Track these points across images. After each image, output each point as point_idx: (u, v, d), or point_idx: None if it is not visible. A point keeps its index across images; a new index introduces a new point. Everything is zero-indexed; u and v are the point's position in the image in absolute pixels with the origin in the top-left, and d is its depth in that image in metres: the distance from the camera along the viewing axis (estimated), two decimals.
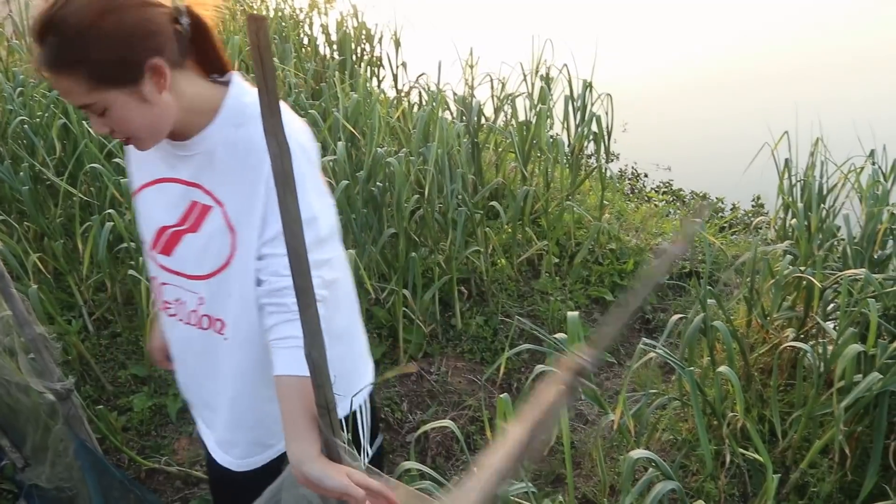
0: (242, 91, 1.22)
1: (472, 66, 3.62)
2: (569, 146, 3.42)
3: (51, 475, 2.26)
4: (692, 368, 2.01)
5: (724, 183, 5.41)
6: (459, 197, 2.95)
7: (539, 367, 2.18)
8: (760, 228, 4.89)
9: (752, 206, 5.07)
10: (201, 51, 1.19)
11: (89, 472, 2.07)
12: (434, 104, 3.21)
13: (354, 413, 1.42)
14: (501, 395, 1.65)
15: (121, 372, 2.81)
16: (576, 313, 2.01)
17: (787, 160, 2.91)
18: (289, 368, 1.13)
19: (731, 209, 5.03)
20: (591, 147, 3.55)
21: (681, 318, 2.47)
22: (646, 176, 5.51)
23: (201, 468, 2.50)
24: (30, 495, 2.41)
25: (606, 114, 3.33)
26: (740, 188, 5.36)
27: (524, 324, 2.25)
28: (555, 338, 2.21)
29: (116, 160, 2.79)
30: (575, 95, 3.38)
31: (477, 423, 2.81)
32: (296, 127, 1.22)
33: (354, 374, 1.44)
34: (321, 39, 4.67)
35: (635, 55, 7.68)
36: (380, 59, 4.47)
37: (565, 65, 3.38)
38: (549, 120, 3.41)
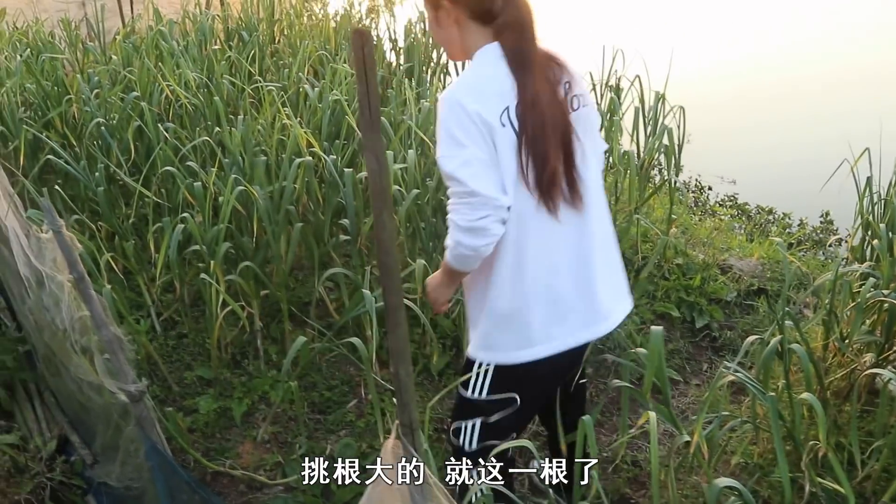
0: (476, 44, 1.61)
1: None
2: (638, 159, 3.35)
3: (120, 474, 2.29)
4: (772, 394, 1.94)
5: (791, 196, 5.27)
6: None
7: (615, 382, 2.14)
8: (830, 246, 4.76)
9: (821, 223, 4.94)
10: (505, 28, 1.57)
11: (159, 473, 2.09)
12: None
13: (474, 362, 1.77)
14: (584, 417, 1.61)
15: (187, 373, 2.84)
16: (660, 328, 1.96)
17: (868, 178, 2.81)
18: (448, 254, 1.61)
19: (799, 225, 4.90)
20: (658, 159, 3.48)
21: (756, 340, 2.40)
22: (710, 189, 5.40)
23: (265, 472, 2.51)
24: (98, 492, 2.45)
25: (678, 127, 3.26)
26: (808, 202, 5.22)
27: (598, 345, 2.21)
28: (633, 352, 2.17)
29: (189, 163, 2.83)
30: (646, 107, 3.32)
31: (541, 438, 2.77)
32: (459, 83, 1.58)
33: (487, 338, 1.74)
34: (387, 45, 4.70)
35: (697, 60, 7.52)
36: (446, 65, 4.46)
37: (637, 76, 3.32)
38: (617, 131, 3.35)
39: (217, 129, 3.00)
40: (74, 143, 3.36)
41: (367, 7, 6.01)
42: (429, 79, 4.11)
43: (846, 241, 4.73)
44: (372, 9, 6.07)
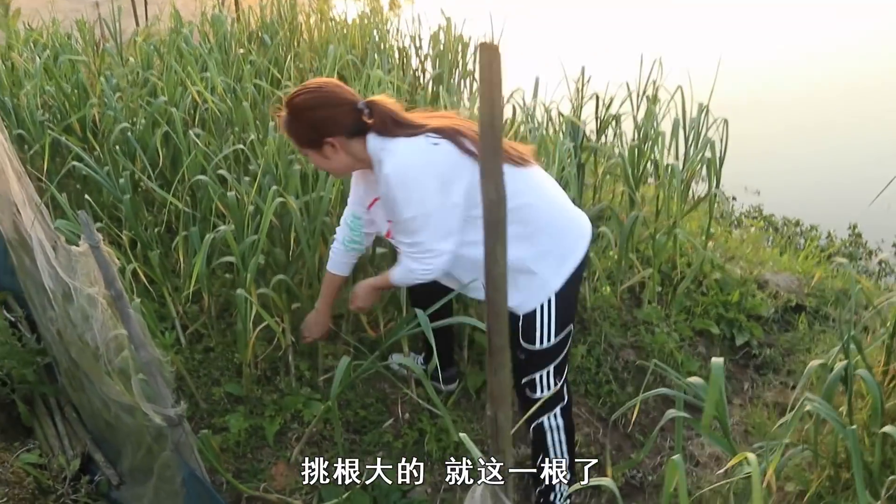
0: (374, 146, 1.92)
1: (582, 85, 3.48)
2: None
3: (153, 500, 2.18)
4: (853, 427, 1.84)
5: (813, 206, 5.16)
6: None
7: (671, 412, 2.03)
8: (860, 259, 4.66)
9: (850, 236, 4.84)
10: (378, 122, 1.92)
11: (196, 502, 1.98)
12: (548, 125, 3.10)
13: (535, 312, 2.03)
14: (673, 458, 1.50)
15: (215, 389, 2.72)
16: (720, 360, 1.85)
17: None
18: (397, 279, 2.10)
19: (827, 238, 4.80)
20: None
21: (818, 364, 2.29)
22: (734, 199, 5.30)
23: (301, 496, 2.40)
24: None
25: (721, 140, 3.16)
26: (831, 212, 5.11)
27: (662, 368, 2.11)
28: (689, 382, 2.06)
29: (221, 171, 2.72)
30: (688, 118, 3.21)
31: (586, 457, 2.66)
32: (398, 157, 1.89)
33: (528, 286, 2.02)
34: (412, 50, 4.59)
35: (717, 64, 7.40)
36: (472, 71, 4.36)
37: (679, 87, 3.21)
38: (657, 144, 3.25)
39: (250, 136, 2.89)
40: (96, 147, 3.25)
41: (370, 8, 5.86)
42: (456, 82, 4.00)
43: (875, 255, 4.64)
44: (375, 10, 5.88)
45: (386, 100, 1.97)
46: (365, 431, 2.63)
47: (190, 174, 2.79)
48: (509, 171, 1.87)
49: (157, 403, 1.95)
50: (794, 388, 3.13)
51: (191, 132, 2.85)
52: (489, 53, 0.91)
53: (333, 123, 1.91)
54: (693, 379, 2.06)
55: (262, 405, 2.65)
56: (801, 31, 8.96)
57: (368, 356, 2.50)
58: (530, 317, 2.05)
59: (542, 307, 2.04)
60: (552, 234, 2.02)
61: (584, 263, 2.11)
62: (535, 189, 2.01)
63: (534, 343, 2.08)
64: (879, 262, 4.47)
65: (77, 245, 2.24)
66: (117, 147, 3.05)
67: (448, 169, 1.86)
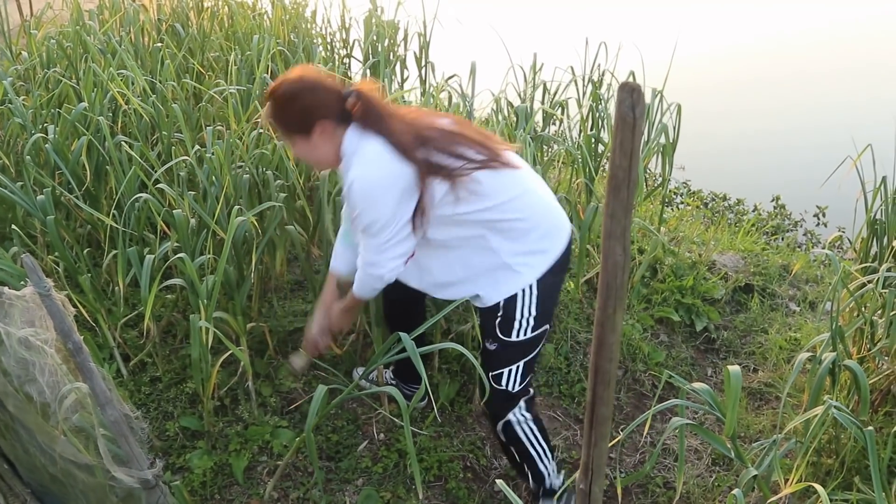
0: (349, 144, 1.88)
1: (534, 73, 3.34)
2: None
3: None
4: (870, 429, 1.81)
5: (733, 180, 5.27)
6: None
7: (676, 421, 1.96)
8: (788, 231, 4.77)
9: (774, 208, 4.95)
10: (362, 111, 1.86)
11: None
12: (497, 115, 2.96)
13: (515, 299, 1.98)
14: (734, 492, 1.42)
15: (168, 424, 2.48)
16: (737, 367, 1.79)
17: (884, 178, 2.73)
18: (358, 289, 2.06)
19: (754, 211, 4.90)
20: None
21: (809, 356, 2.28)
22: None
23: None
24: None
25: (674, 128, 3.11)
26: (753, 185, 5.23)
27: (675, 378, 2.03)
28: (692, 387, 2.00)
29: (161, 186, 2.44)
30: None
31: (567, 465, 2.58)
32: (366, 169, 1.85)
33: (507, 279, 1.99)
34: (338, 36, 4.32)
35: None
36: (403, 58, 4.15)
37: (632, 72, 3.14)
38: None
39: (193, 146, 2.61)
40: (2, 157, 2.89)
41: None
42: (389, 72, 3.78)
43: (816, 230, 4.77)
44: None
45: (371, 87, 1.91)
46: (339, 458, 2.46)
47: (121, 186, 2.50)
48: (499, 175, 1.93)
49: (128, 464, 1.73)
50: (755, 370, 3.15)
51: (117, 140, 2.55)
52: (631, 95, 0.77)
53: (323, 106, 1.87)
54: (698, 385, 2.00)
55: (226, 439, 2.43)
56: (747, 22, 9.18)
57: (333, 374, 2.33)
58: (511, 306, 2.00)
59: (523, 293, 1.99)
60: (539, 236, 1.99)
61: (567, 258, 2.08)
62: (524, 193, 1.98)
63: (509, 335, 2.03)
64: (806, 234, 4.60)
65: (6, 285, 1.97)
66: (28, 158, 2.71)
67: (407, 186, 1.84)
